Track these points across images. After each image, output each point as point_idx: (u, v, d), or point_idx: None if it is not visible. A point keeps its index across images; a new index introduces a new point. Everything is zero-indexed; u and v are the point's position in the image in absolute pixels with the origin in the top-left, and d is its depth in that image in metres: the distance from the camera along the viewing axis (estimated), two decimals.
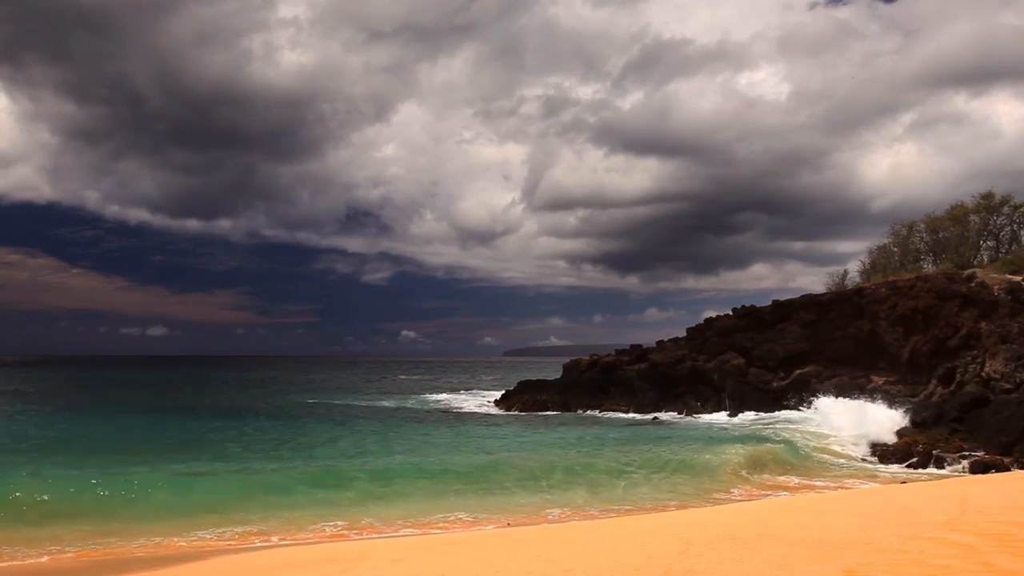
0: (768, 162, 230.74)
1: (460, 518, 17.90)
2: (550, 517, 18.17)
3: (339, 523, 17.20)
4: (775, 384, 40.20)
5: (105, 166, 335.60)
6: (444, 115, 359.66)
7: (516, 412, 48.49)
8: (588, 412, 45.81)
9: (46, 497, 18.40)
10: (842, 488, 21.85)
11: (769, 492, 21.48)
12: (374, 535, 16.07)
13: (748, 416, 38.81)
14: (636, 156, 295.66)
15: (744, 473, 24.11)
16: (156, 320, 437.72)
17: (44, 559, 13.89)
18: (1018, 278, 36.61)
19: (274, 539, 15.67)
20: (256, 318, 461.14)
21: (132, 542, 15.28)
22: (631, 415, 42.73)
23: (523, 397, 52.06)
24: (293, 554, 13.86)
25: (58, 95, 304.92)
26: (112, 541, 15.25)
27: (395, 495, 20.39)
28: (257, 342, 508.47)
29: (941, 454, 27.70)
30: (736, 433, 32.92)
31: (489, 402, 56.06)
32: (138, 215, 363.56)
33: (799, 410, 38.51)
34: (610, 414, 42.94)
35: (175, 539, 15.58)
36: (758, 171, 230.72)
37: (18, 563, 13.58)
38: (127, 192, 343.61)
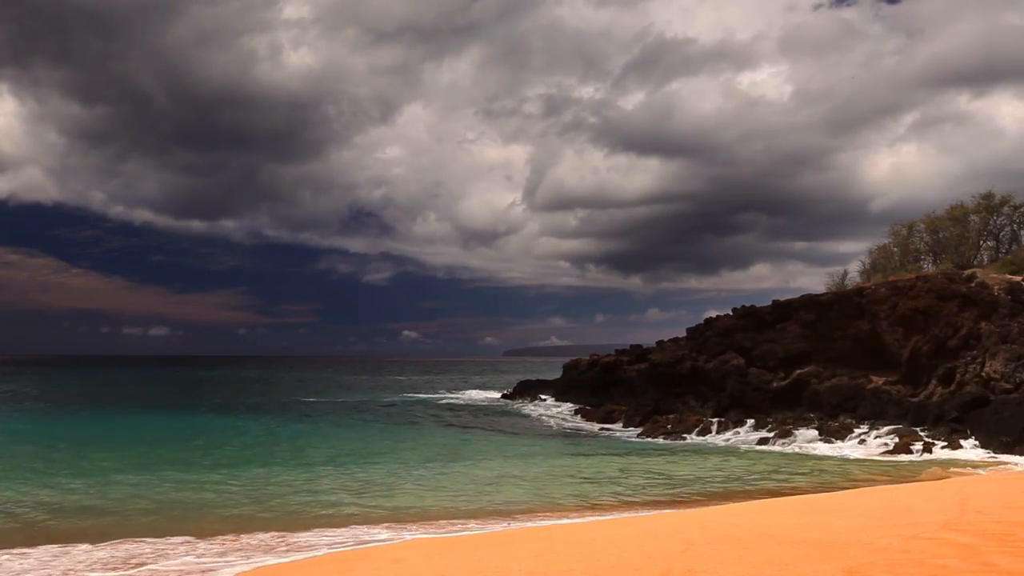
0: (769, 162, 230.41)
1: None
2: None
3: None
4: (775, 384, 40.15)
5: (111, 167, 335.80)
6: (448, 116, 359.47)
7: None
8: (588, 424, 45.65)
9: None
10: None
11: None
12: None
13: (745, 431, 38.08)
14: (638, 156, 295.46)
15: None
16: (158, 320, 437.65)
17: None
18: (1018, 278, 36.58)
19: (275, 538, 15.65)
20: (257, 318, 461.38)
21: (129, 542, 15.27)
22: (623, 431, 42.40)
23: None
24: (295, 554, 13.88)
25: (64, 96, 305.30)
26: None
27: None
28: (258, 342, 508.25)
29: None
30: None
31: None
32: (142, 216, 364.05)
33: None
34: (610, 426, 42.34)
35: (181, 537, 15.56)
36: (759, 171, 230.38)
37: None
38: (132, 193, 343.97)
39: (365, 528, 16.42)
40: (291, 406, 53.28)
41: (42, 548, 14.19)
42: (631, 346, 51.43)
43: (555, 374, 64.44)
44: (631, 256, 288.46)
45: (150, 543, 14.62)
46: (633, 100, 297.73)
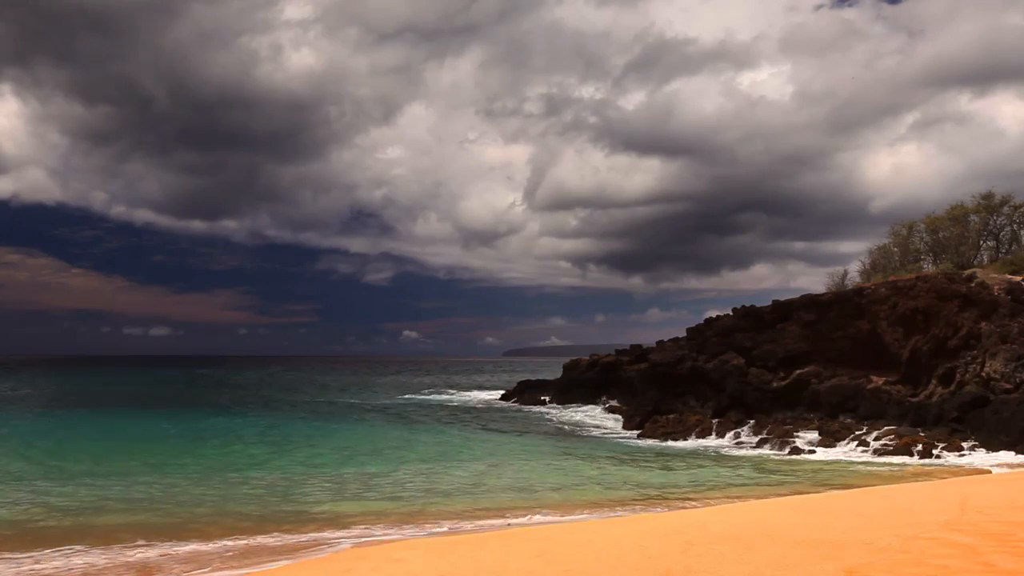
0: (770, 162, 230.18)
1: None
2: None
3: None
4: (775, 384, 40.16)
5: (113, 167, 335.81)
6: (449, 116, 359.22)
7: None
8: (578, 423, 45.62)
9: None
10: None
11: None
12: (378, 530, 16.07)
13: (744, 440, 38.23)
14: (638, 156, 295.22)
15: None
16: (158, 320, 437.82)
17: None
18: (1018, 278, 36.56)
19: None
20: (257, 318, 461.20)
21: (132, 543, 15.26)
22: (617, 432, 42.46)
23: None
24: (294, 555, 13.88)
25: (67, 97, 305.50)
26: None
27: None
28: (258, 342, 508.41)
29: None
30: None
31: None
32: (144, 216, 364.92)
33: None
34: (609, 426, 42.43)
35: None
36: (760, 171, 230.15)
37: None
38: (134, 193, 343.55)
39: (365, 528, 16.43)
40: (288, 406, 53.25)
41: (37, 552, 14.09)
42: (631, 346, 51.45)
43: (555, 374, 64.48)
44: (631, 256, 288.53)
45: (148, 547, 14.61)
46: (634, 100, 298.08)
